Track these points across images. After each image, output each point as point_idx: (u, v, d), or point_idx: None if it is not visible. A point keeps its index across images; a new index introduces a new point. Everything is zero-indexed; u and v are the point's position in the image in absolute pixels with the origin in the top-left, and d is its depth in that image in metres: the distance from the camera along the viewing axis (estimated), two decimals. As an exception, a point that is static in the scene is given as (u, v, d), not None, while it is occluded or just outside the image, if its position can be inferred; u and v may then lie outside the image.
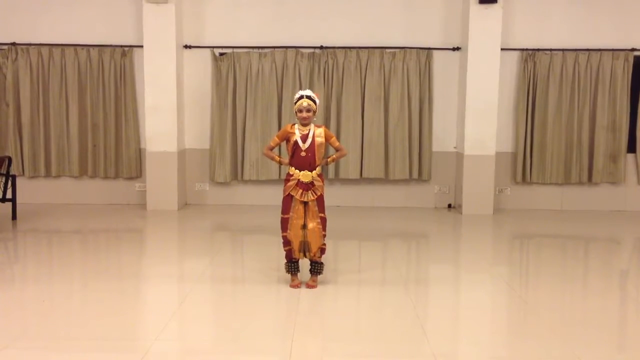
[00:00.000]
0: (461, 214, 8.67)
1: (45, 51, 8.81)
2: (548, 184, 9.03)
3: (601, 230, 8.01)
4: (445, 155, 9.03)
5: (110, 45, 8.82)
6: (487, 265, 6.34)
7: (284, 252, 5.21)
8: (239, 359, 3.91)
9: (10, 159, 8.08)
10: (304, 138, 5.07)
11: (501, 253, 7.09)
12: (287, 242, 5.15)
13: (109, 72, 8.84)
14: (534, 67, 8.78)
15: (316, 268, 5.21)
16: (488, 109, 8.53)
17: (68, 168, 9.00)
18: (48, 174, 9.04)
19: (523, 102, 8.83)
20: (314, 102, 5.08)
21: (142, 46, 8.59)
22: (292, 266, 5.21)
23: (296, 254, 5.16)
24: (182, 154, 8.91)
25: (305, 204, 5.09)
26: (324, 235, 5.16)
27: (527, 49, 8.77)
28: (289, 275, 5.27)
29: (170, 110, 8.58)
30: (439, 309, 4.98)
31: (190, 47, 8.87)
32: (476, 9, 8.37)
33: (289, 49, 8.79)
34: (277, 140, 5.26)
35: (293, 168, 5.09)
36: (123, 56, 8.83)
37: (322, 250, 5.19)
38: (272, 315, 4.70)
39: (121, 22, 8.84)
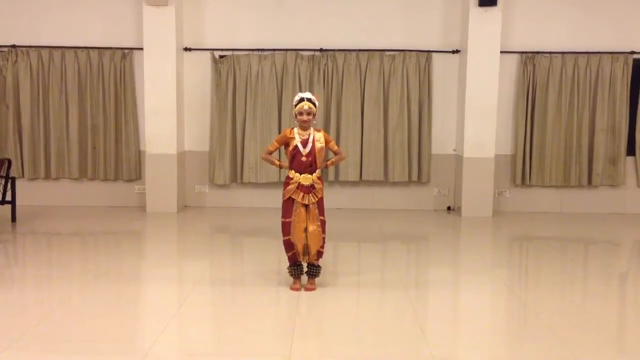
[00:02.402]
0: (460, 216, 8.66)
1: (45, 53, 8.81)
2: (547, 187, 9.03)
3: (601, 233, 8.01)
4: (444, 158, 9.03)
5: (110, 48, 8.82)
6: (486, 267, 6.34)
7: (286, 256, 5.20)
8: (238, 361, 3.92)
9: (10, 161, 8.08)
10: (304, 143, 5.06)
11: (501, 255, 7.09)
12: (289, 247, 5.13)
13: (109, 74, 8.85)
14: (533, 69, 8.79)
15: (313, 271, 5.21)
16: (487, 111, 8.53)
17: (68, 170, 8.99)
18: (48, 176, 9.03)
19: (522, 104, 8.83)
20: (314, 104, 5.07)
21: (142, 49, 8.59)
22: (296, 270, 5.21)
23: (301, 258, 5.15)
24: (181, 156, 8.91)
25: (306, 206, 5.09)
26: (324, 238, 5.17)
27: (526, 52, 8.78)
28: (288, 278, 5.28)
29: (169, 112, 8.59)
30: (439, 312, 4.98)
31: (190, 49, 8.88)
32: (476, 11, 8.38)
33: (288, 52, 8.80)
34: (276, 145, 5.23)
35: (293, 171, 5.09)
36: (123, 59, 8.83)
37: (320, 254, 5.19)
38: (271, 318, 4.69)
39: (121, 25, 8.84)
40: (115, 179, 9.06)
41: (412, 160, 8.92)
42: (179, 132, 8.74)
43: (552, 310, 4.91)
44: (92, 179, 9.08)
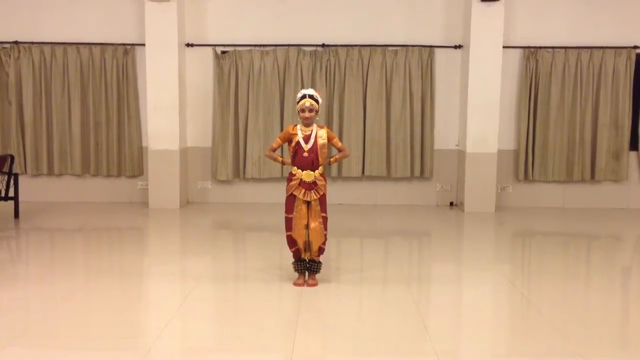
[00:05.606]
0: (463, 211, 8.66)
1: (47, 50, 8.81)
2: (550, 182, 9.03)
3: (603, 228, 8.00)
4: (447, 153, 9.03)
5: (113, 44, 8.82)
6: (489, 263, 6.34)
7: (290, 252, 5.22)
8: (240, 357, 3.92)
9: (12, 158, 8.09)
10: (307, 139, 5.06)
11: (503, 251, 7.08)
12: (292, 243, 5.15)
13: (111, 70, 8.85)
14: (536, 64, 8.77)
15: (313, 267, 5.22)
16: (490, 106, 8.52)
17: (70, 166, 9.01)
18: (50, 172, 9.05)
19: (525, 99, 8.82)
20: (317, 101, 5.07)
21: (144, 44, 8.60)
22: (300, 265, 5.22)
23: (303, 254, 5.17)
24: (184, 152, 8.91)
25: (308, 203, 5.09)
26: (325, 235, 5.17)
27: (529, 47, 8.76)
28: (290, 274, 5.29)
29: (172, 108, 8.59)
30: (441, 307, 4.98)
31: (192, 45, 8.87)
32: (478, 6, 8.36)
33: (290, 47, 8.79)
34: (279, 141, 5.24)
35: (295, 168, 5.09)
36: (125, 54, 8.84)
37: (321, 250, 5.20)
38: (274, 314, 4.70)
39: (123, 21, 8.85)
40: (118, 175, 9.08)
41: (415, 155, 8.92)
42: (181, 128, 8.74)
43: (554, 305, 4.91)
44: (94, 175, 9.10)
